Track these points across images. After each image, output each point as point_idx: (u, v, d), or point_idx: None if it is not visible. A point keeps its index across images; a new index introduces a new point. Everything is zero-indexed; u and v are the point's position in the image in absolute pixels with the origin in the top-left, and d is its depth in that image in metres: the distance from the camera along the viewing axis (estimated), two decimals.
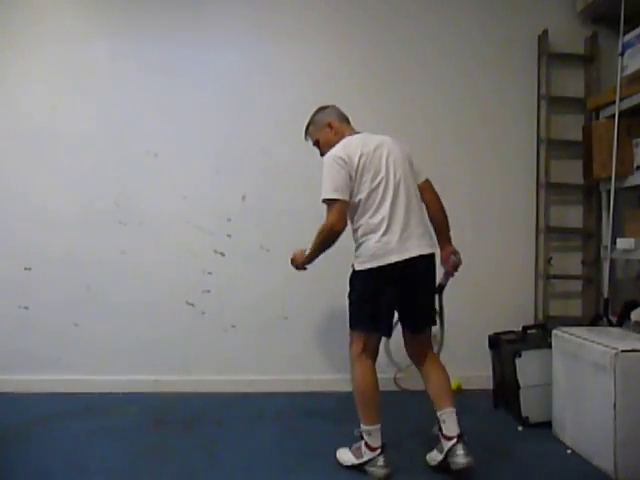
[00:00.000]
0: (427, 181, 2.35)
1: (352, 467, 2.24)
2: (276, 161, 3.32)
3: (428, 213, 2.33)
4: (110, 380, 3.20)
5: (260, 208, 3.30)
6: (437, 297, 2.43)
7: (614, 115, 2.96)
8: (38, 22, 3.27)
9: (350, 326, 2.27)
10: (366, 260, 2.19)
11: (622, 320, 2.83)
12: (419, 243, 2.21)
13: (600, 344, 2.30)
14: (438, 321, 2.46)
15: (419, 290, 2.25)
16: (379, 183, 2.20)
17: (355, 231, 2.25)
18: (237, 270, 3.30)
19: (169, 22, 3.29)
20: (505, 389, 2.88)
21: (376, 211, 2.19)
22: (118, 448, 2.46)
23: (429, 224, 2.32)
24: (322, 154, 2.36)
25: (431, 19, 3.36)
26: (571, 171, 3.36)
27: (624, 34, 2.96)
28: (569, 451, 2.45)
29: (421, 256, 2.20)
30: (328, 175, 2.19)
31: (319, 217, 2.23)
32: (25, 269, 3.23)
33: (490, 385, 3.04)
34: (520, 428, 2.70)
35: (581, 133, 3.32)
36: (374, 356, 2.26)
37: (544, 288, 3.31)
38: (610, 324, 2.86)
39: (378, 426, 2.20)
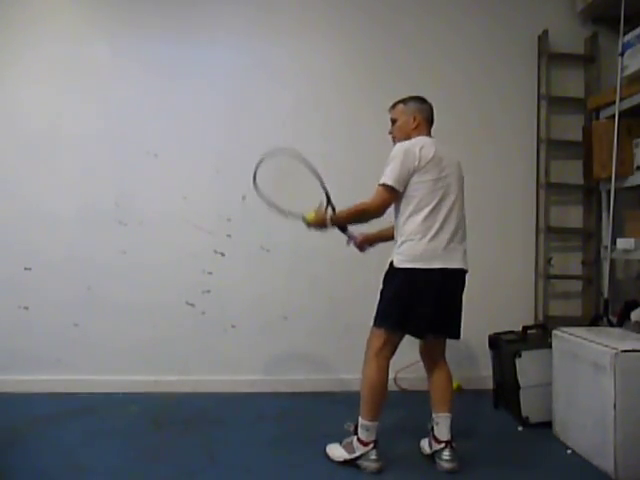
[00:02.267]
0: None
1: (344, 462, 2.24)
2: (276, 161, 3.31)
3: None
4: (110, 380, 3.19)
5: (260, 208, 3.29)
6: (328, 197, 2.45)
7: (614, 115, 2.97)
8: (38, 22, 3.27)
9: (375, 322, 2.27)
10: (410, 259, 2.20)
11: (622, 320, 2.83)
12: (462, 257, 2.27)
13: (600, 344, 2.30)
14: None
15: (452, 300, 2.29)
16: (440, 188, 2.22)
17: (402, 226, 2.24)
18: (237, 270, 3.30)
19: (169, 22, 3.29)
20: (505, 389, 2.88)
21: (431, 214, 2.20)
22: (118, 448, 2.46)
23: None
24: (391, 134, 2.41)
25: (431, 19, 3.37)
26: (571, 171, 3.36)
27: (624, 34, 2.96)
28: (569, 451, 2.45)
29: (461, 270, 2.27)
30: (394, 163, 2.20)
31: None
32: (25, 269, 3.23)
33: (490, 385, 3.04)
34: (520, 428, 2.71)
35: (581, 133, 3.32)
36: (391, 355, 2.27)
37: (544, 288, 3.31)
38: (610, 324, 2.87)
39: (377, 423, 2.23)
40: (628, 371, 2.17)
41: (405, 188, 2.20)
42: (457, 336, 2.33)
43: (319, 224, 2.36)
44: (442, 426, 2.27)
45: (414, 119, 2.35)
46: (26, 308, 3.24)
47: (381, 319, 2.25)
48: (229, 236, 3.30)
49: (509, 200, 3.40)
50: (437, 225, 2.19)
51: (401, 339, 2.27)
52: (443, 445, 2.25)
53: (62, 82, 3.27)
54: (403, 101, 2.41)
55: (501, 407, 2.95)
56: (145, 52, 3.29)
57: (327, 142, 3.32)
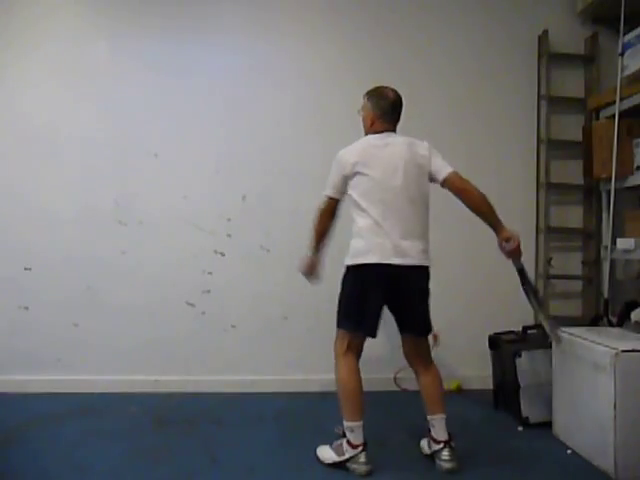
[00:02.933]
0: (452, 173, 2.30)
1: (334, 465, 2.24)
2: (276, 161, 3.32)
3: (465, 204, 2.31)
4: (110, 380, 3.19)
5: (260, 208, 3.31)
6: (521, 279, 2.46)
7: (614, 115, 2.97)
8: (38, 22, 3.27)
9: (337, 323, 2.32)
10: (355, 255, 2.25)
11: (622, 320, 2.83)
12: (418, 253, 2.23)
13: (600, 344, 2.30)
14: (535, 303, 2.50)
15: (409, 299, 2.28)
16: (379, 188, 2.22)
17: (353, 227, 2.29)
18: (237, 270, 3.30)
19: (169, 22, 3.29)
20: (505, 389, 2.88)
21: (368, 211, 2.22)
22: (118, 448, 2.45)
23: (427, 236, 2.31)
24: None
25: (431, 19, 3.37)
26: (571, 171, 3.36)
27: (624, 34, 2.96)
28: (569, 451, 2.44)
29: (411, 266, 2.22)
30: (331, 172, 2.33)
31: None
32: (25, 269, 3.23)
33: (490, 385, 3.04)
34: (520, 428, 2.70)
35: (581, 133, 3.32)
36: (358, 354, 2.30)
37: (544, 288, 3.31)
38: (610, 324, 2.87)
39: (360, 423, 2.23)
40: (628, 371, 2.17)
41: (345, 191, 2.29)
42: (424, 333, 2.34)
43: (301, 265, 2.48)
44: (438, 428, 2.27)
45: (370, 118, 2.36)
46: (26, 308, 3.24)
47: (339, 320, 2.31)
48: (229, 236, 3.30)
49: (509, 200, 3.38)
50: (378, 222, 2.20)
51: (365, 338, 2.30)
52: (442, 445, 2.25)
53: (62, 82, 3.27)
54: (367, 94, 2.42)
55: (501, 407, 2.95)
56: (145, 52, 3.30)
57: (327, 142, 3.31)
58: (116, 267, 3.25)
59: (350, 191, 2.27)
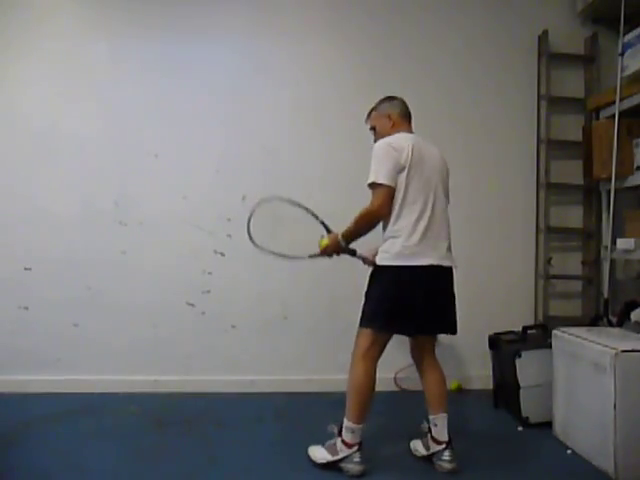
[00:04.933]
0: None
1: (327, 465, 2.23)
2: (276, 161, 3.32)
3: None
4: (110, 380, 3.19)
5: (260, 208, 3.29)
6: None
7: (614, 115, 2.97)
8: (38, 22, 3.27)
9: (362, 323, 2.24)
10: (395, 257, 2.17)
11: (622, 320, 2.83)
12: (447, 254, 2.24)
13: (600, 344, 2.30)
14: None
15: (443, 297, 2.26)
16: (424, 184, 2.20)
17: (387, 224, 2.22)
18: (237, 270, 3.30)
19: (169, 22, 3.29)
20: (505, 389, 2.88)
21: (415, 210, 2.18)
22: (118, 448, 2.45)
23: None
24: (375, 142, 2.35)
25: (431, 19, 3.37)
26: (571, 171, 3.36)
27: (624, 34, 2.96)
28: (569, 451, 2.45)
29: (448, 267, 2.25)
30: (379, 160, 2.17)
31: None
32: (25, 269, 3.23)
33: (490, 385, 3.04)
34: (520, 428, 2.71)
35: (581, 133, 3.32)
36: (379, 356, 2.25)
37: (544, 288, 3.31)
38: (610, 324, 2.87)
39: (362, 426, 2.21)
40: (628, 371, 2.17)
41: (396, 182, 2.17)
42: (453, 331, 2.32)
43: (334, 246, 2.29)
44: (441, 427, 2.25)
45: (389, 118, 2.34)
46: (26, 308, 3.24)
47: (368, 319, 2.23)
48: (229, 236, 3.30)
49: (509, 200, 3.40)
50: (422, 222, 2.18)
51: (389, 339, 2.26)
52: (444, 446, 2.23)
53: (62, 82, 3.27)
54: (373, 109, 2.42)
55: (501, 407, 2.95)
56: (145, 52, 3.29)
57: (326, 142, 3.32)
58: (116, 267, 3.25)
59: (398, 184, 2.17)
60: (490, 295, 3.34)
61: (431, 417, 2.28)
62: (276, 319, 3.30)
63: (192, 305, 3.29)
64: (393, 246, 2.18)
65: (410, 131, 2.34)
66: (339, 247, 2.30)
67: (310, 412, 2.92)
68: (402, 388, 3.19)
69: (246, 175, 3.32)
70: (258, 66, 3.34)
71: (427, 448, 2.30)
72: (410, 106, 2.42)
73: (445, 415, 2.26)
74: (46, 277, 3.23)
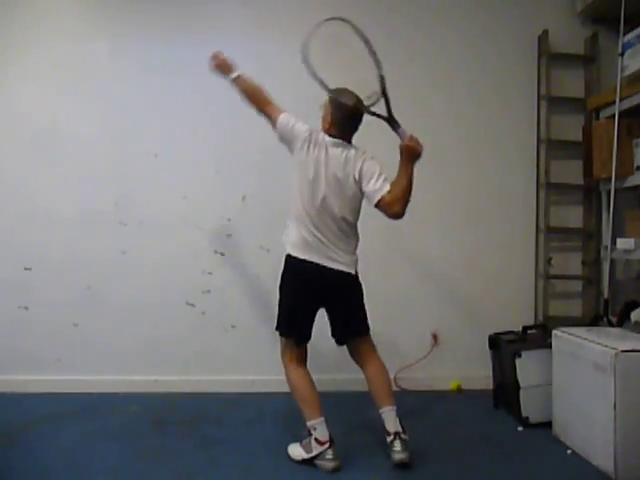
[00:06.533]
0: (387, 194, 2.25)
1: (303, 462, 2.29)
2: (276, 161, 3.31)
3: None
4: (110, 380, 3.19)
5: (260, 208, 3.30)
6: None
7: (614, 115, 2.96)
8: (38, 22, 3.27)
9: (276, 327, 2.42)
10: (291, 245, 2.31)
11: (622, 320, 2.83)
12: (345, 260, 2.30)
13: (600, 344, 2.30)
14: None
15: (341, 303, 2.36)
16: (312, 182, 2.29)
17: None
18: (237, 270, 3.30)
19: (169, 22, 3.29)
20: (505, 389, 2.88)
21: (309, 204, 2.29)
22: (118, 448, 2.46)
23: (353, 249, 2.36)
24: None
25: (431, 20, 3.36)
26: (571, 171, 3.36)
27: (624, 34, 2.96)
28: (569, 451, 2.45)
29: (342, 272, 2.29)
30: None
31: None
32: (25, 269, 3.23)
33: (490, 385, 3.04)
34: (520, 428, 2.70)
35: (581, 133, 3.32)
36: (303, 358, 2.40)
37: (544, 288, 3.31)
38: (610, 324, 2.87)
39: (321, 419, 2.29)
40: (628, 371, 2.17)
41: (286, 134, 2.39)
42: (364, 333, 2.41)
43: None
44: (388, 420, 2.30)
45: (326, 120, 2.39)
46: (26, 308, 3.24)
47: (276, 324, 2.42)
48: (229, 236, 3.30)
49: (509, 200, 3.40)
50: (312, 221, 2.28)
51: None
52: (392, 437, 2.27)
53: (62, 82, 3.27)
54: (329, 95, 2.42)
55: (501, 407, 2.95)
56: (145, 52, 3.29)
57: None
58: (116, 267, 3.25)
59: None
60: (490, 295, 3.33)
61: (380, 411, 2.34)
62: (276, 319, 3.29)
63: (192, 305, 3.29)
64: (292, 233, 2.34)
65: (343, 140, 2.35)
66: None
67: None
68: (402, 388, 3.19)
69: (246, 175, 3.32)
70: (258, 66, 3.32)
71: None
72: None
73: (392, 408, 2.32)
74: (46, 277, 3.23)
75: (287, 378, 2.38)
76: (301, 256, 2.27)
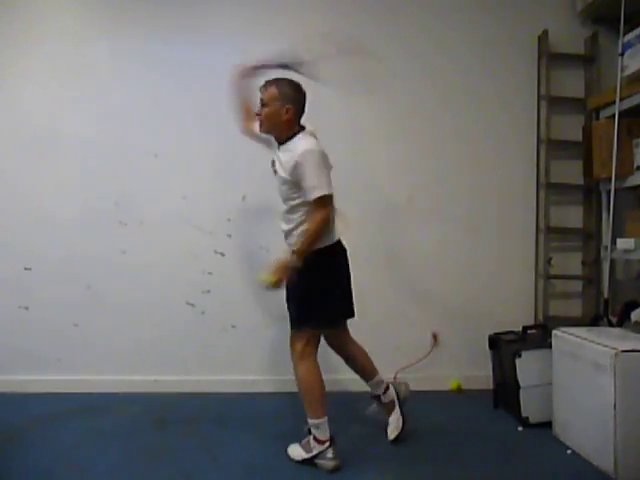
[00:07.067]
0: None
1: (304, 462, 2.29)
2: None
3: None
4: (110, 380, 3.20)
5: (260, 208, 3.30)
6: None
7: (614, 115, 2.96)
8: (38, 22, 3.27)
9: (298, 324, 2.38)
10: (329, 235, 2.31)
11: (622, 320, 2.83)
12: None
13: (600, 344, 2.30)
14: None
15: (350, 281, 2.41)
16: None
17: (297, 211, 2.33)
18: (237, 270, 3.30)
19: (169, 22, 3.29)
20: (505, 389, 2.88)
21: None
22: (118, 448, 2.46)
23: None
24: (258, 115, 2.32)
25: (431, 20, 3.36)
26: (571, 171, 3.36)
27: (624, 34, 2.96)
28: (569, 451, 2.45)
29: None
30: (323, 169, 2.23)
31: None
32: (25, 269, 3.23)
33: (490, 385, 3.04)
34: (520, 428, 2.70)
35: (581, 133, 3.32)
36: (316, 351, 2.39)
37: (544, 288, 3.31)
38: (610, 324, 2.87)
39: (325, 419, 2.28)
40: (628, 371, 2.17)
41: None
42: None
43: (281, 274, 2.23)
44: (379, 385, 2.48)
45: (287, 111, 2.25)
46: (26, 308, 3.24)
47: (304, 322, 2.41)
48: (229, 236, 3.30)
49: (509, 200, 3.40)
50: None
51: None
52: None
53: (62, 82, 3.27)
54: (277, 84, 2.28)
55: (501, 407, 2.95)
56: (145, 52, 3.29)
57: (325, 142, 3.30)
58: (116, 267, 3.25)
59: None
60: (490, 295, 3.33)
61: (375, 379, 2.46)
62: (276, 319, 3.29)
63: (192, 305, 3.29)
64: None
65: (304, 128, 2.33)
66: (286, 273, 2.23)
67: None
68: None
69: (246, 175, 3.32)
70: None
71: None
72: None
73: (380, 376, 2.50)
74: (46, 277, 3.23)
75: (303, 374, 2.32)
76: (336, 238, 2.31)
